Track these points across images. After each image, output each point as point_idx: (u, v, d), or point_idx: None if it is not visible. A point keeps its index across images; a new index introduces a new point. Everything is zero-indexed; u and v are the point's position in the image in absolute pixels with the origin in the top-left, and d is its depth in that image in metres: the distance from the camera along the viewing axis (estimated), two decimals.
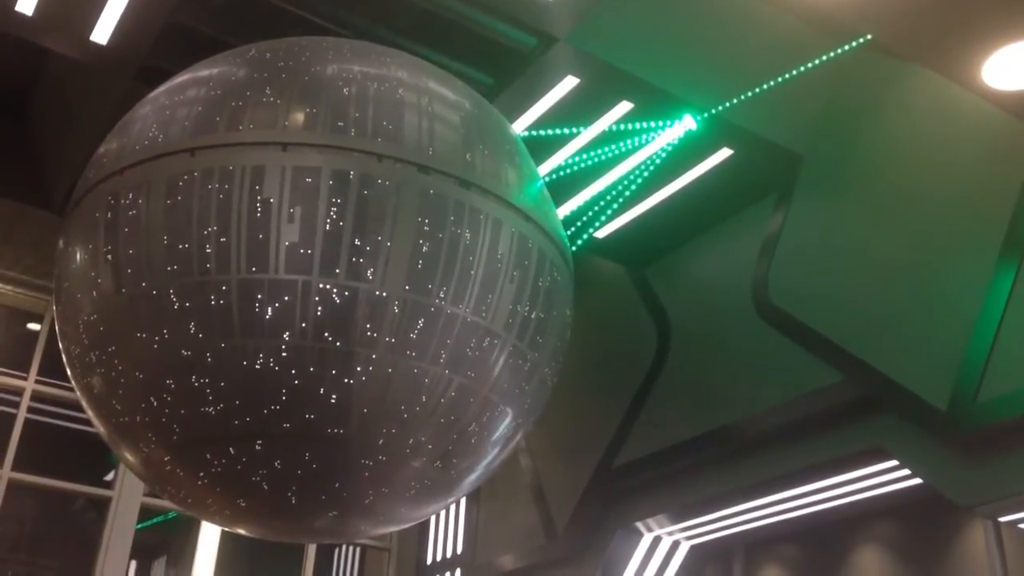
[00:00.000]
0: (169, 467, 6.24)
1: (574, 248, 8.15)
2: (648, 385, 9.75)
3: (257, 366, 5.58)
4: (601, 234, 9.92)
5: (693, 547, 10.27)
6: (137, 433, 6.21)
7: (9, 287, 11.38)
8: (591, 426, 10.26)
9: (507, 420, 6.59)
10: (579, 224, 9.40)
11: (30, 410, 11.60)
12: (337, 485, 6.13)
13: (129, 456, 6.65)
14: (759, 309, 8.79)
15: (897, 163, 8.21)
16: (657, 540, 10.16)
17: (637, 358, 9.92)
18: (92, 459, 11.71)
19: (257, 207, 5.55)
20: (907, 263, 7.80)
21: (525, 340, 6.37)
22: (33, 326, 11.40)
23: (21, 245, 10.76)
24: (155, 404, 5.83)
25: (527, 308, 6.31)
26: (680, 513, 9.64)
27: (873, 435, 7.81)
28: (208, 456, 5.95)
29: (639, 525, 9.95)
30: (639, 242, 10.09)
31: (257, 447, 5.82)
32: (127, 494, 11.52)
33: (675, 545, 10.25)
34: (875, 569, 8.84)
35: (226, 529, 10.82)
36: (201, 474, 6.11)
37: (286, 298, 5.53)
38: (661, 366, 9.73)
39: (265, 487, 6.02)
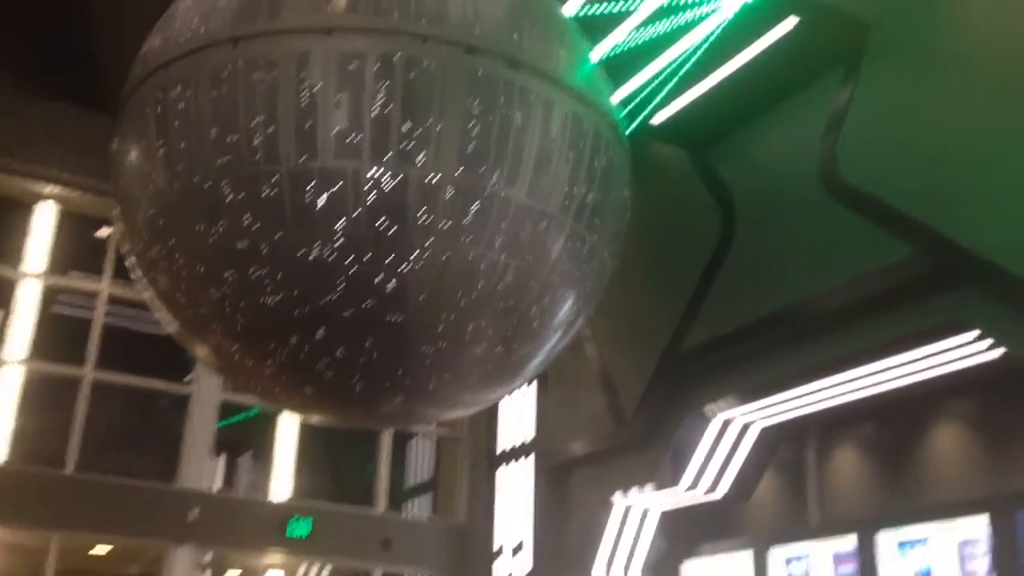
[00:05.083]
0: (236, 357, 6.38)
1: (631, 133, 7.95)
2: (714, 268, 9.59)
3: (313, 256, 5.61)
4: (660, 118, 9.63)
5: (764, 429, 10.21)
6: (202, 326, 6.35)
7: (77, 193, 11.61)
8: (657, 311, 10.17)
9: (568, 304, 6.56)
10: (636, 107, 9.14)
11: (111, 314, 11.96)
12: (400, 372, 6.20)
13: (199, 349, 6.82)
14: (827, 185, 8.51)
15: (970, 27, 7.77)
16: (727, 423, 10.11)
17: (702, 241, 9.74)
18: (174, 359, 11.97)
19: (303, 95, 5.50)
20: (983, 132, 7.44)
21: (583, 222, 6.29)
22: (104, 231, 11.66)
23: (86, 151, 10.87)
24: (216, 296, 5.93)
25: (583, 189, 6.21)
26: (750, 395, 9.57)
27: (951, 307, 7.58)
28: (272, 346, 6.06)
29: (708, 408, 9.91)
30: (700, 124, 9.79)
31: (318, 336, 5.89)
32: (205, 390, 11.89)
33: (746, 427, 10.20)
34: (953, 446, 8.71)
35: (300, 418, 11.14)
36: (267, 363, 6.23)
37: (337, 186, 5.52)
38: (727, 248, 9.54)
39: (329, 375, 6.12)
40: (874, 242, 7.99)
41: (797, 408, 9.57)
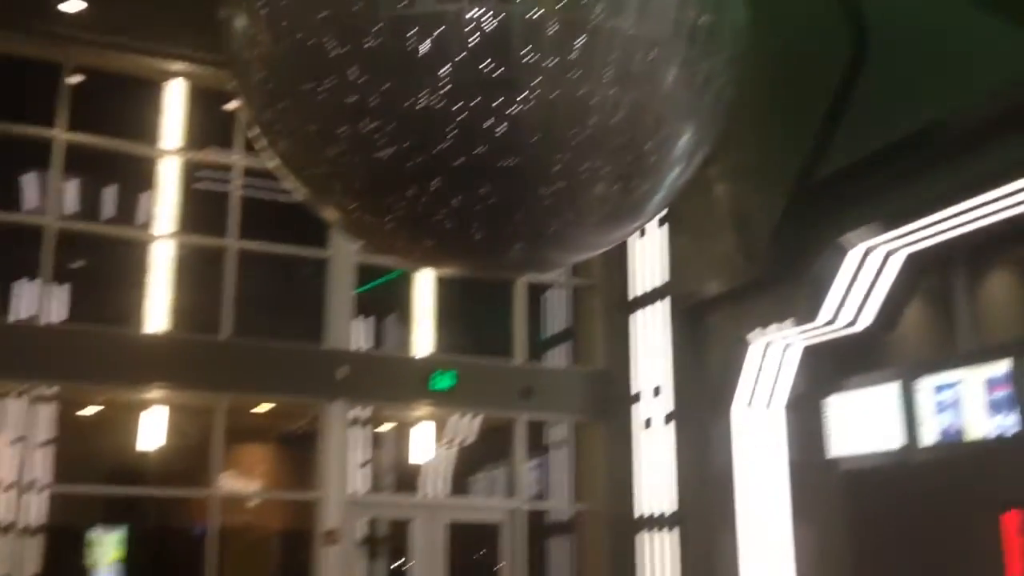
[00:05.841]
0: (357, 215, 6.48)
1: None
2: (846, 90, 9.07)
3: (421, 104, 5.56)
4: None
5: (908, 256, 9.80)
6: (323, 186, 6.45)
7: (201, 68, 11.87)
8: (787, 141, 9.76)
9: (685, 136, 6.34)
10: None
11: (250, 186, 12.31)
12: (519, 216, 6.17)
13: (325, 211, 6.95)
14: None
15: None
16: (868, 252, 9.74)
17: (832, 62, 9.19)
18: (313, 227, 12.28)
19: None
20: None
21: (695, 48, 6.00)
22: (232, 105, 11.86)
23: (206, 26, 11.02)
24: (332, 154, 5.98)
25: (694, 12, 5.90)
26: (891, 222, 9.17)
27: None
28: (390, 200, 6.10)
29: (846, 238, 9.56)
30: None
31: (434, 186, 5.89)
32: (343, 254, 12.24)
33: (888, 255, 9.81)
34: None
35: (435, 275, 11.32)
36: (387, 218, 6.30)
37: (439, 31, 5.41)
38: (860, 67, 8.99)
39: (448, 225, 6.14)
40: (1019, 49, 7.39)
41: (942, 232, 9.14)
